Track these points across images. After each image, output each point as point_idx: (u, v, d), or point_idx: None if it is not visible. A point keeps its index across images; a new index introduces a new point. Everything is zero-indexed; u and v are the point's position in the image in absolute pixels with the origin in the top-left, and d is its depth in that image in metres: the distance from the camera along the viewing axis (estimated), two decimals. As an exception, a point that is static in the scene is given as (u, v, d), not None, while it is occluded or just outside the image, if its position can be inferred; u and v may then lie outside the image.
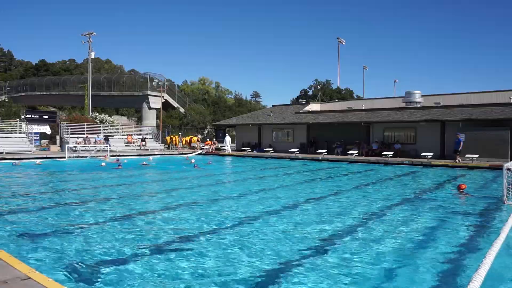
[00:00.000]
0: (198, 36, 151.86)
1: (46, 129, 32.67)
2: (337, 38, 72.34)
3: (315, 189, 13.22)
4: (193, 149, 35.98)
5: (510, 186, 9.68)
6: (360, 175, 18.02)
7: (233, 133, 41.85)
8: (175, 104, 51.69)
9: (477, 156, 21.36)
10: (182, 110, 51.56)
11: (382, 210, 9.22)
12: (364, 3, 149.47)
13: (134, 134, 37.09)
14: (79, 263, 5.19)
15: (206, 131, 48.80)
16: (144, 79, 51.55)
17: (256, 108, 70.33)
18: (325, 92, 70.73)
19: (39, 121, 32.43)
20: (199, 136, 41.58)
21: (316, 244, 6.27)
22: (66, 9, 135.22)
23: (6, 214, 8.31)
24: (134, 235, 6.68)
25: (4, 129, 29.73)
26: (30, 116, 32.32)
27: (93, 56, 44.86)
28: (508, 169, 9.59)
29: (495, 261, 4.18)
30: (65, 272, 4.84)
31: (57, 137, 32.08)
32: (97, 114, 43.30)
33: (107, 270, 4.97)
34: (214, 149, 34.89)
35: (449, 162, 21.62)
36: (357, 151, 26.62)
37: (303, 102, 43.83)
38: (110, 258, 5.46)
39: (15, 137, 28.99)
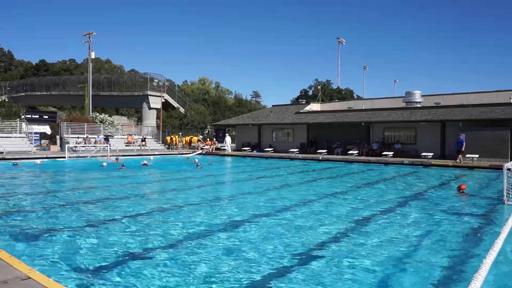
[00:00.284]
0: (198, 36, 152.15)
1: (46, 129, 32.68)
2: (337, 38, 72.55)
3: (316, 188, 13.21)
4: (193, 149, 35.98)
5: (511, 186, 9.67)
6: (360, 175, 18.01)
7: (233, 133, 41.84)
8: (175, 104, 51.68)
9: (477, 156, 21.38)
10: (182, 110, 51.54)
11: (382, 210, 9.21)
12: (364, 3, 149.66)
13: (134, 134, 37.09)
14: (80, 263, 5.18)
15: (206, 131, 48.79)
16: (144, 79, 51.54)
17: (256, 108, 70.33)
18: (325, 92, 70.74)
19: (39, 121, 32.45)
20: (200, 136, 41.57)
21: (326, 240, 6.28)
22: (66, 9, 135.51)
23: (7, 214, 8.31)
24: (139, 235, 6.67)
25: (4, 129, 29.73)
26: (30, 116, 32.34)
27: (93, 56, 44.84)
28: (508, 169, 9.58)
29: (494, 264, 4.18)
30: (65, 272, 4.84)
31: (57, 137, 32.10)
32: (97, 114, 43.28)
33: (108, 270, 4.97)
34: (214, 149, 34.91)
35: (449, 162, 21.62)
36: (357, 151, 26.63)
37: (303, 102, 43.82)
38: (111, 258, 5.46)
39: (15, 137, 28.98)
